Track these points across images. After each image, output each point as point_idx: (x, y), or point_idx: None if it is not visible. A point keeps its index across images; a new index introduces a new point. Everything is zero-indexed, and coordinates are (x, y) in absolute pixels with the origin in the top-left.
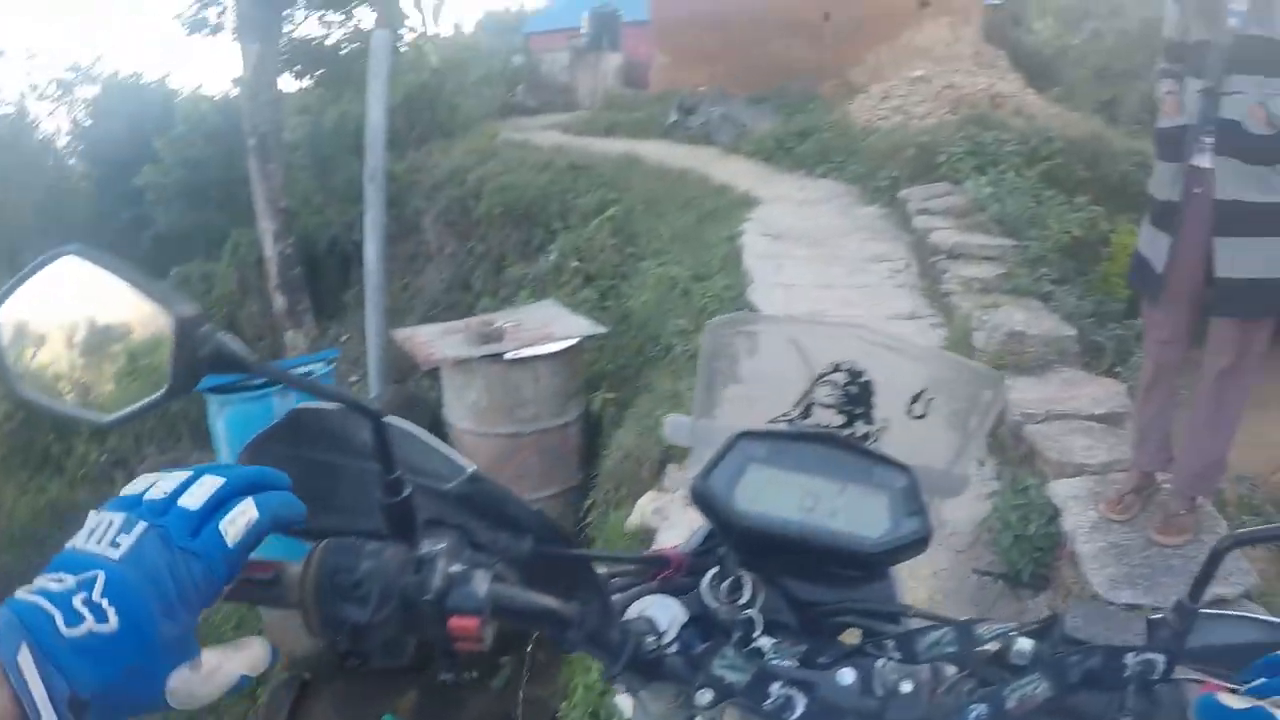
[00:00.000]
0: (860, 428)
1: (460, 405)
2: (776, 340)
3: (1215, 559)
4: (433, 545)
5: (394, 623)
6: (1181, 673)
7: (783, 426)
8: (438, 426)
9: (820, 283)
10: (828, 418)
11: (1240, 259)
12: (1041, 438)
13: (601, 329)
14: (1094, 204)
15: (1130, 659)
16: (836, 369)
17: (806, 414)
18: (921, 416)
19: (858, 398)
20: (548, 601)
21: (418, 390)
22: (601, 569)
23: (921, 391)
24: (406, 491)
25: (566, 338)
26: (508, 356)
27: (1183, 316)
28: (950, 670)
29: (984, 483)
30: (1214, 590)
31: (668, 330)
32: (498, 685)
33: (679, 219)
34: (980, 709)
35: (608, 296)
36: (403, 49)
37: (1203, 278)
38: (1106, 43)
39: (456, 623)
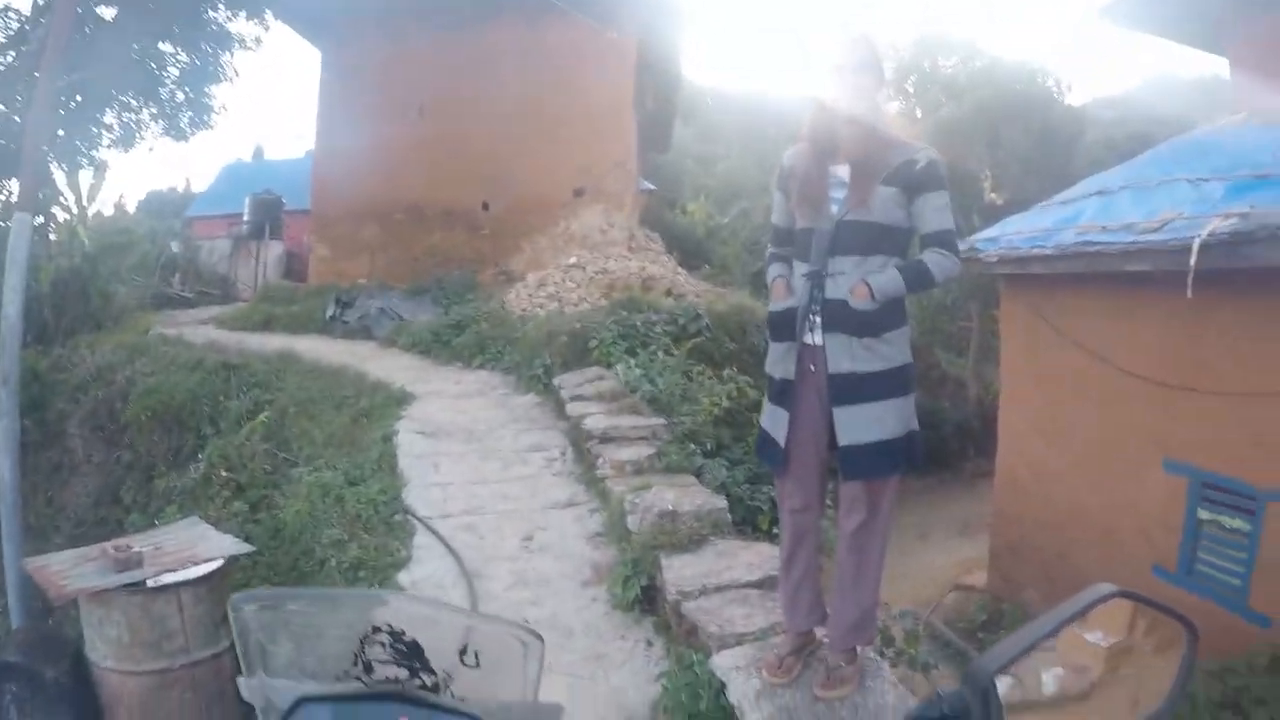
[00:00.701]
0: (426, 678)
1: (102, 641)
2: (307, 612)
3: None
4: None
5: None
6: None
7: (346, 686)
8: (80, 666)
9: (477, 478)
10: (391, 671)
11: (859, 426)
12: (701, 612)
13: (248, 547)
14: (742, 373)
15: None
16: (378, 630)
17: (368, 670)
18: (475, 666)
19: (409, 654)
20: None
21: (64, 623)
22: None
23: (466, 645)
24: None
25: (211, 559)
26: (149, 584)
27: (812, 483)
28: None
29: (654, 664)
30: None
31: (322, 542)
32: None
33: (334, 420)
34: None
35: (259, 508)
36: (53, 230)
37: (826, 445)
38: (754, 220)
39: None
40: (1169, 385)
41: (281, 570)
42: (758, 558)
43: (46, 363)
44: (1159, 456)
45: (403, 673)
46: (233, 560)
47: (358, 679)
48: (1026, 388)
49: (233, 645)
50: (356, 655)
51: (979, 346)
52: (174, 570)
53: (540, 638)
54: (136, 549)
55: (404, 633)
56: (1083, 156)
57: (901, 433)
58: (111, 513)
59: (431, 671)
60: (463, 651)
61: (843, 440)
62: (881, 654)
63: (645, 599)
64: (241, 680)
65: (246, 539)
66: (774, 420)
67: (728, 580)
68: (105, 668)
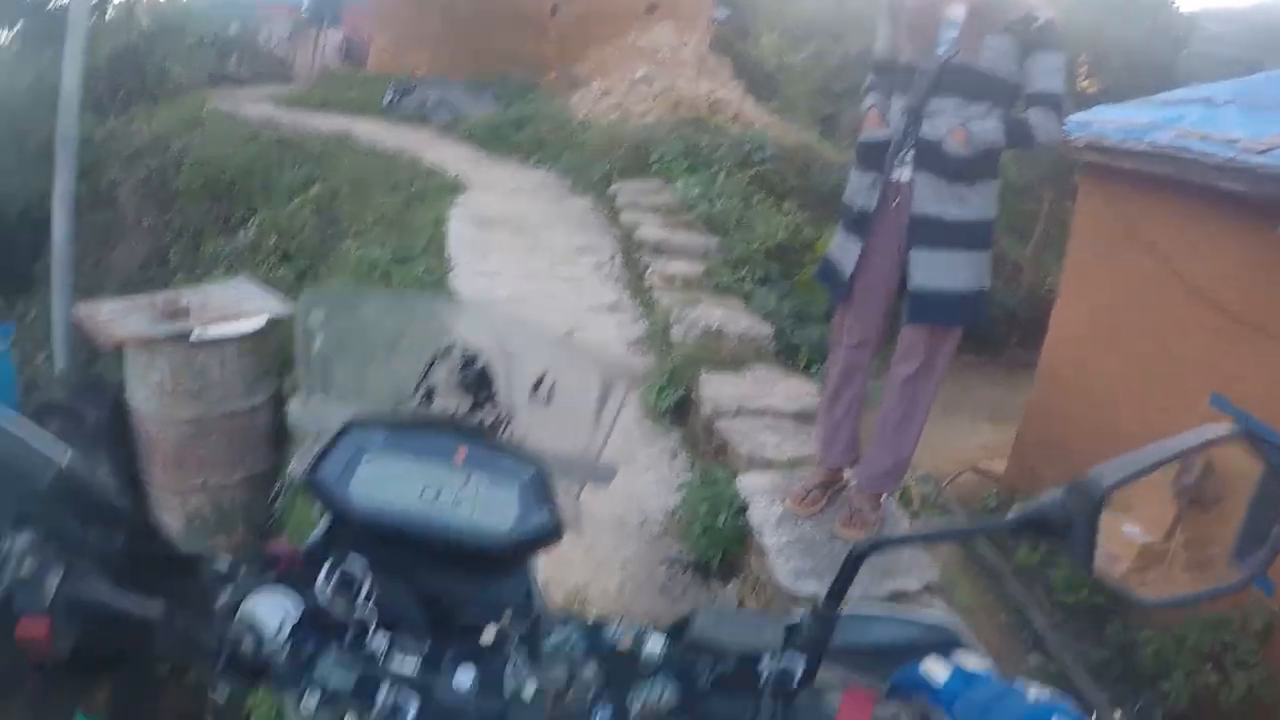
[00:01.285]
0: (488, 412)
1: (144, 387)
2: (383, 317)
3: (853, 564)
4: (12, 546)
5: None
6: (824, 675)
7: (402, 412)
8: (120, 410)
9: (524, 272)
10: (452, 402)
11: (933, 271)
12: (733, 432)
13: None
14: (801, 210)
15: (766, 663)
16: (450, 350)
17: (429, 397)
18: (548, 403)
19: (478, 381)
20: (131, 601)
21: (106, 371)
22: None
23: (544, 375)
24: None
25: (256, 317)
26: (194, 337)
27: (872, 321)
28: (587, 672)
29: (677, 474)
30: (895, 584)
31: None
32: (191, 680)
33: (386, 201)
34: (604, 712)
35: (305, 276)
36: (113, 7)
37: (895, 286)
38: (828, 63)
39: (25, 628)
40: (1238, 320)
41: None
42: (796, 390)
43: (102, 132)
44: (1208, 390)
45: (465, 403)
46: (276, 321)
47: (414, 406)
48: (1088, 285)
49: (269, 400)
50: (420, 380)
51: (1044, 234)
52: (219, 324)
53: (627, 375)
54: (184, 302)
55: (476, 356)
56: (1182, 67)
57: (974, 287)
58: (159, 274)
59: (496, 405)
60: (537, 384)
61: (914, 283)
62: (902, 509)
63: (677, 412)
64: (293, 401)
65: None
66: (844, 250)
67: (764, 406)
68: (145, 413)
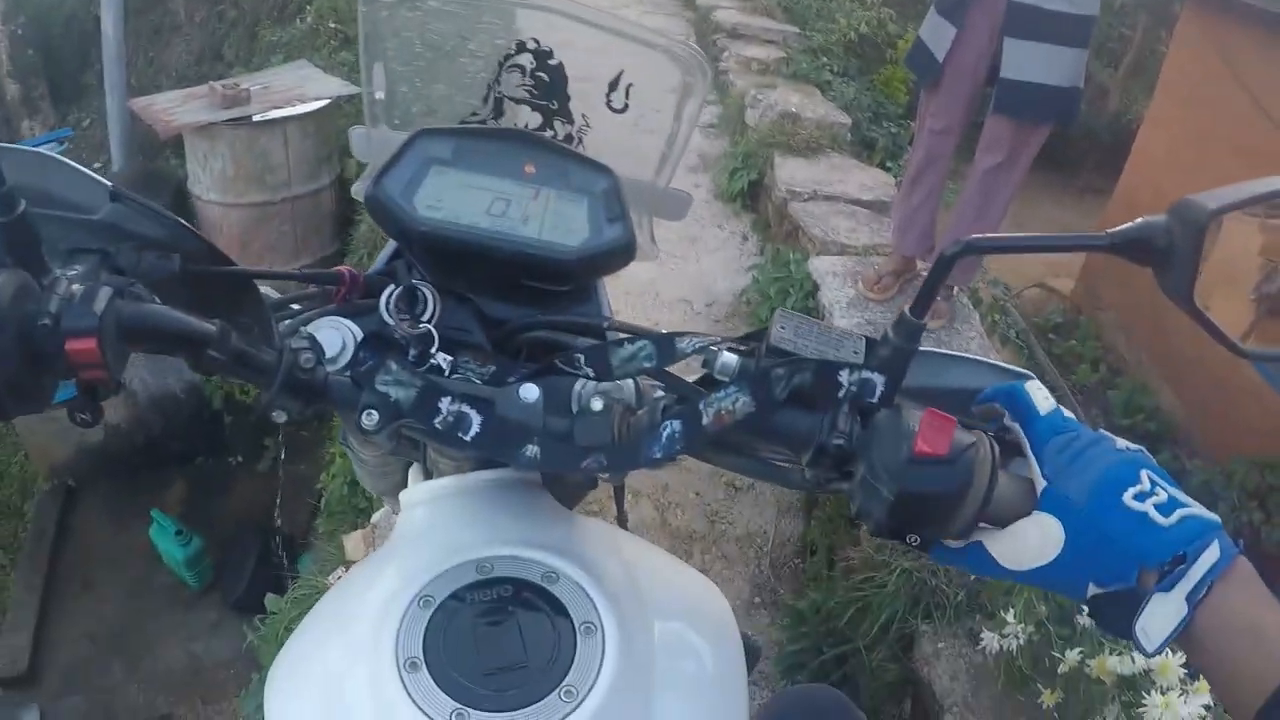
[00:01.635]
0: (560, 128)
1: (206, 175)
2: (450, 14)
3: (944, 266)
4: (63, 272)
5: (13, 357)
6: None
7: (471, 125)
8: (182, 200)
9: None
10: (523, 117)
11: (1027, 62)
12: (806, 215)
13: (356, 89)
14: (885, 5)
15: (845, 376)
16: (522, 48)
17: (498, 112)
18: (623, 110)
19: (550, 87)
20: (182, 317)
21: (165, 167)
22: (277, 295)
23: (619, 75)
24: (21, 208)
25: (319, 99)
26: (256, 119)
27: (959, 108)
28: (658, 384)
29: (746, 257)
30: None
31: None
32: (263, 468)
33: None
34: (674, 425)
35: None
36: None
37: (984, 74)
38: None
39: (74, 345)
40: None
41: None
42: (871, 180)
43: None
44: None
45: (537, 118)
46: (338, 103)
47: (481, 122)
48: (1177, 114)
49: (333, 183)
50: (490, 84)
51: (1135, 60)
52: (281, 107)
53: (706, 71)
54: (245, 86)
55: (551, 53)
56: None
57: (1066, 84)
58: (214, 69)
59: (569, 120)
60: (613, 85)
61: (1005, 72)
62: (971, 306)
63: (749, 196)
64: (356, 130)
65: None
66: (936, 33)
67: (839, 193)
68: (207, 200)
